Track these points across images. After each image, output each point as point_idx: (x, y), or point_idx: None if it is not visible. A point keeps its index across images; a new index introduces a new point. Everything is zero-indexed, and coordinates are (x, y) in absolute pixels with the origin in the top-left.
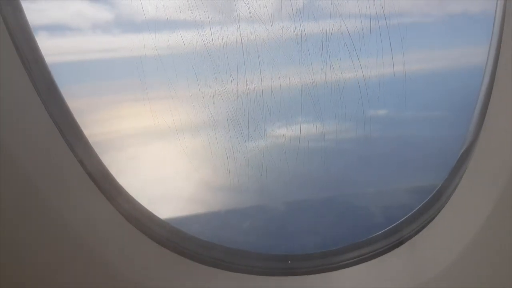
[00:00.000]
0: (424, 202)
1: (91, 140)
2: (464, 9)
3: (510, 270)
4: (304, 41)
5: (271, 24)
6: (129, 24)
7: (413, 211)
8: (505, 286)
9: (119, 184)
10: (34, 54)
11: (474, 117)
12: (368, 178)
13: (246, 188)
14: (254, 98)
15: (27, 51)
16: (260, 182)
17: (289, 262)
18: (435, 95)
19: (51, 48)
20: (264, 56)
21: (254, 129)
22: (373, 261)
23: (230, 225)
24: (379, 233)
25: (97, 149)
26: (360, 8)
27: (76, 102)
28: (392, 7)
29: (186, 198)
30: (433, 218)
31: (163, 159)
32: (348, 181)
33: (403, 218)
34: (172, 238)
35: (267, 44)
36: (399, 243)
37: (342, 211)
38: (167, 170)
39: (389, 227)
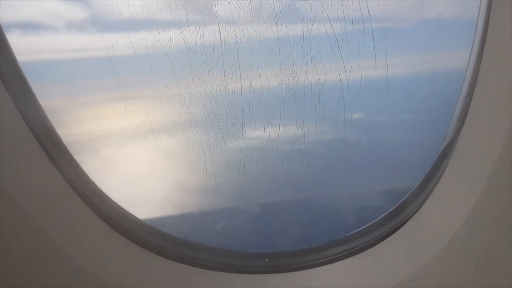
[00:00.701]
0: (399, 202)
1: (65, 140)
2: (438, 15)
3: (491, 267)
4: (284, 41)
5: (251, 24)
6: (105, 23)
7: (388, 211)
8: (486, 283)
9: (95, 184)
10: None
11: (454, 118)
12: (344, 180)
13: (222, 188)
14: (233, 98)
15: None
16: (237, 182)
17: (267, 260)
18: (412, 99)
19: (25, 47)
20: (244, 56)
21: (233, 129)
22: (349, 259)
23: (204, 226)
24: (355, 231)
25: (71, 150)
26: (335, 11)
27: (51, 102)
28: (366, 11)
29: (161, 199)
30: (410, 217)
31: (139, 160)
32: (325, 183)
33: (378, 219)
34: (149, 237)
35: (248, 43)
36: (375, 242)
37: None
38: (143, 170)
39: (364, 226)
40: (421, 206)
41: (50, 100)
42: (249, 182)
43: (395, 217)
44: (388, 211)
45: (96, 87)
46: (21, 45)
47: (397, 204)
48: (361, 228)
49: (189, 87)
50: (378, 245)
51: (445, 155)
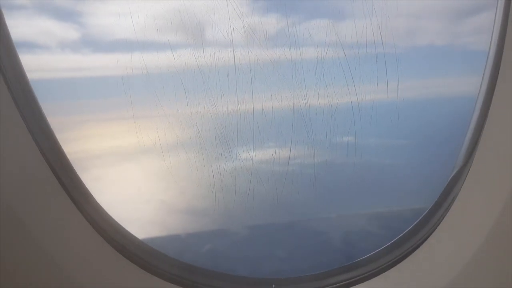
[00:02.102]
0: (408, 229)
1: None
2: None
3: None
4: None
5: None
6: (98, 44)
7: (398, 237)
8: None
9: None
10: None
11: (465, 144)
12: (356, 204)
13: (213, 211)
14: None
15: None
16: (229, 204)
17: (274, 286)
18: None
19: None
20: (258, 81)
21: (243, 153)
22: (360, 285)
23: (192, 248)
24: (365, 257)
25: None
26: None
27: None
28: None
29: (147, 221)
30: (420, 244)
31: (130, 180)
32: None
33: (387, 245)
34: (145, 256)
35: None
36: (385, 269)
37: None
38: (135, 191)
39: (373, 252)
40: (431, 234)
41: None
42: (258, 206)
43: (404, 243)
44: (398, 237)
45: (89, 106)
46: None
47: (407, 230)
48: (370, 254)
49: (201, 109)
50: (388, 271)
51: (456, 180)
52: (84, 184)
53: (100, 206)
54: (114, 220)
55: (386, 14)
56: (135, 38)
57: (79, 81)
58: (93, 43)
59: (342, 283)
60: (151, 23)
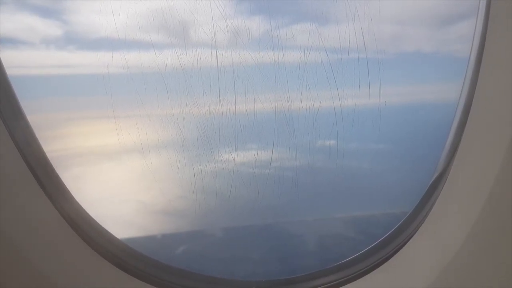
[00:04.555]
0: (390, 231)
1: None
2: (417, 48)
3: None
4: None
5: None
6: (80, 42)
7: (379, 240)
8: None
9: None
10: None
11: (446, 148)
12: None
13: (192, 212)
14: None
15: None
16: (209, 206)
17: None
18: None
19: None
20: (240, 81)
21: (225, 154)
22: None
23: (167, 248)
24: (347, 259)
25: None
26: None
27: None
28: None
29: (125, 220)
30: (402, 246)
31: (111, 180)
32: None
33: (369, 247)
34: (123, 256)
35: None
36: (367, 271)
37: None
38: (115, 190)
39: (355, 255)
40: (412, 236)
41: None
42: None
43: (386, 245)
44: (379, 240)
45: (72, 104)
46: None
47: (388, 233)
48: (352, 257)
49: (183, 110)
50: (370, 274)
51: (436, 184)
52: (63, 183)
53: (79, 205)
54: (93, 219)
55: (369, 18)
56: (118, 37)
57: (60, 78)
58: (76, 41)
59: (321, 286)
60: (134, 21)
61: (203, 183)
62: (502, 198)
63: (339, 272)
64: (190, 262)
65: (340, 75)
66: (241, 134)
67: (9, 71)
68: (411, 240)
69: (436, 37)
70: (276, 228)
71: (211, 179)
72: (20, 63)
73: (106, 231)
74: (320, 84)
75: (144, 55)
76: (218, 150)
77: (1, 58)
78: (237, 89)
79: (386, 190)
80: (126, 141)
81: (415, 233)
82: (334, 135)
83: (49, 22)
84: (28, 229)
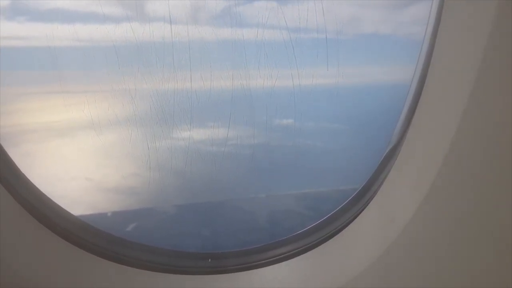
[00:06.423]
0: (341, 205)
1: None
2: (375, 30)
3: (434, 266)
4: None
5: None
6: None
7: (331, 213)
8: (430, 281)
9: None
10: None
11: (398, 125)
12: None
13: (146, 189)
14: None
15: None
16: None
17: (210, 260)
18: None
19: None
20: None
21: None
22: (294, 259)
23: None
24: (299, 232)
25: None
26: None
27: None
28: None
29: (74, 198)
30: (352, 220)
31: (62, 156)
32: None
33: (320, 220)
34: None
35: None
36: (319, 243)
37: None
38: (66, 167)
39: (307, 228)
40: (363, 209)
41: None
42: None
43: (337, 218)
44: (331, 213)
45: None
46: None
47: (337, 208)
48: (304, 229)
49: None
50: (322, 245)
51: (387, 160)
52: (11, 159)
53: (31, 182)
54: (45, 195)
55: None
56: (70, 9)
57: (8, 51)
58: (25, 11)
59: (271, 258)
60: None
61: (157, 161)
62: (451, 176)
63: (287, 245)
64: (141, 239)
65: (299, 54)
66: (198, 111)
67: None
68: (360, 215)
69: (393, 19)
70: (229, 204)
71: (167, 156)
72: None
73: (59, 207)
74: (279, 62)
75: (98, 28)
76: (174, 127)
77: None
78: (193, 66)
79: (339, 168)
80: (79, 117)
81: (364, 208)
82: (291, 113)
83: None
84: None
